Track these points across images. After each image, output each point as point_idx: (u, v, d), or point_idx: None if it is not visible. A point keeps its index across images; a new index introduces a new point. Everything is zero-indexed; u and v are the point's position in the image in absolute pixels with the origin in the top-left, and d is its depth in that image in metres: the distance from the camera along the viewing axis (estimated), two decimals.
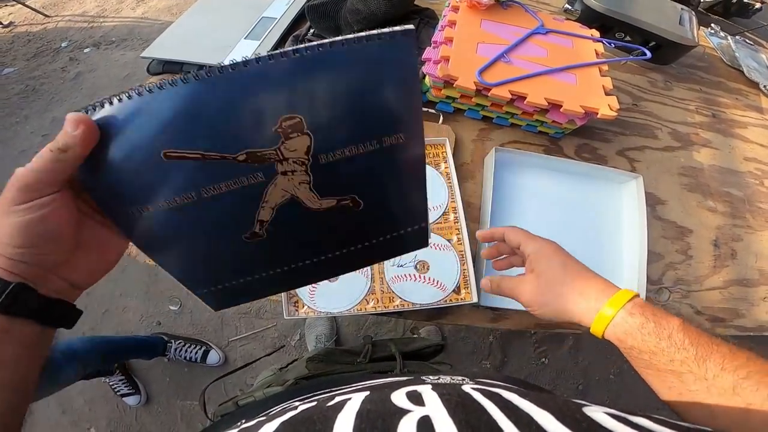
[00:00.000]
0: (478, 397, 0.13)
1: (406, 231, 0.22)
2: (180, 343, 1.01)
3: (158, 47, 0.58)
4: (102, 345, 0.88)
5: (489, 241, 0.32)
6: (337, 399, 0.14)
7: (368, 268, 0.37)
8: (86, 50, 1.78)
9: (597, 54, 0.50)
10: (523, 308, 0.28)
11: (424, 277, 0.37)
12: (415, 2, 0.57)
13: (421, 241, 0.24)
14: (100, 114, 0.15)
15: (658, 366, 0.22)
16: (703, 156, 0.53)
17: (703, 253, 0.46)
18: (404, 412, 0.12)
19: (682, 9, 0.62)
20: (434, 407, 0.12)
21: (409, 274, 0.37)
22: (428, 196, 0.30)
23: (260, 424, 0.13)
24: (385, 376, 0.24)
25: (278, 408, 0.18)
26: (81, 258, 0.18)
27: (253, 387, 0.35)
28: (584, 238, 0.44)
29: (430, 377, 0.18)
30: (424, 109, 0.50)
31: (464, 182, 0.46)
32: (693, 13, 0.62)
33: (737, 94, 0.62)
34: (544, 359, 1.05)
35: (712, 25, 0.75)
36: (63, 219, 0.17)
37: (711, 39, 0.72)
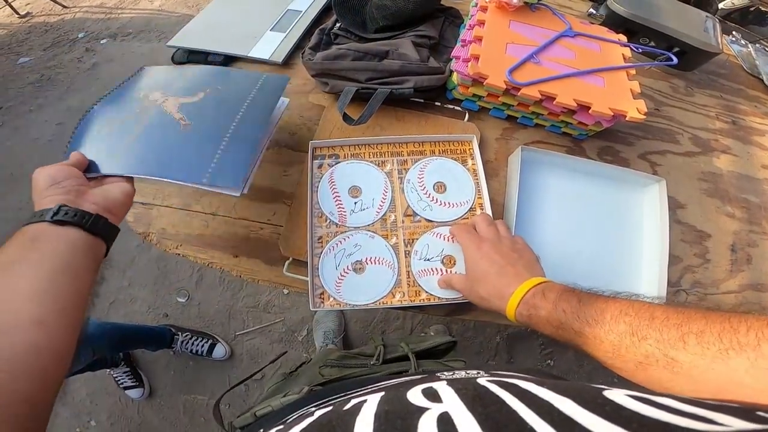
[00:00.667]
0: (494, 388, 0.13)
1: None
2: (187, 335, 1.01)
3: (185, 36, 0.58)
4: (113, 331, 0.88)
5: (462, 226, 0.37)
6: (353, 402, 0.14)
7: (395, 261, 0.38)
8: (103, 41, 1.79)
9: (624, 59, 0.50)
10: None
11: (450, 272, 0.38)
12: (440, 1, 0.58)
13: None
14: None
15: (564, 328, 0.25)
16: (723, 162, 0.53)
17: (720, 257, 0.47)
18: (422, 410, 0.12)
19: (706, 16, 0.63)
20: (452, 403, 0.12)
21: (436, 268, 0.38)
22: (454, 192, 0.39)
23: None
24: (399, 376, 0.25)
25: (295, 415, 0.18)
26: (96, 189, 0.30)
27: (265, 394, 0.35)
28: (605, 238, 0.45)
29: (445, 374, 0.18)
30: (450, 106, 0.51)
31: (488, 179, 0.46)
32: (717, 20, 0.63)
33: (756, 101, 0.62)
34: (549, 361, 1.06)
35: (734, 33, 0.75)
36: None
37: (732, 46, 0.73)
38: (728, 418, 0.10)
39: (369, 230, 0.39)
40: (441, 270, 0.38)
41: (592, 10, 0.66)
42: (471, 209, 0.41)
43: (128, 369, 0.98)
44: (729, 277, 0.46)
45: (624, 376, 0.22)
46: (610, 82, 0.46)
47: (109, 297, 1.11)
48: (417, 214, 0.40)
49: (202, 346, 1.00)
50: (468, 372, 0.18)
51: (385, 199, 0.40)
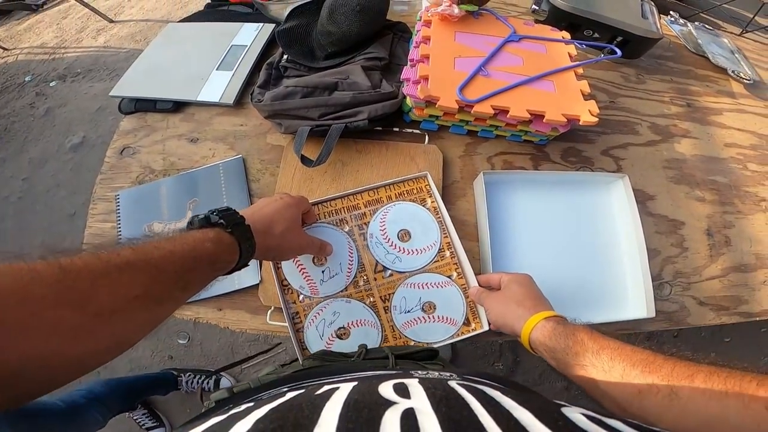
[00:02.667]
0: (461, 392, 0.13)
1: None
2: (190, 375, 1.03)
3: (127, 84, 0.56)
4: (119, 387, 0.90)
5: (486, 285, 0.38)
6: (326, 388, 0.14)
7: (377, 319, 0.37)
8: (52, 83, 1.72)
9: (570, 57, 0.50)
10: None
11: (433, 317, 0.37)
12: (385, 19, 0.57)
13: None
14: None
15: (569, 361, 0.27)
16: (685, 147, 0.54)
17: (698, 243, 0.47)
18: (390, 403, 0.12)
19: (642, 1, 0.64)
20: (419, 400, 0.12)
21: (419, 317, 0.37)
22: (419, 237, 0.37)
23: (249, 410, 0.13)
24: (376, 369, 0.25)
25: (268, 395, 0.19)
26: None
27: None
28: (582, 245, 0.44)
29: (419, 372, 0.19)
30: (409, 129, 0.50)
31: (456, 200, 0.45)
32: (652, 3, 0.64)
33: (707, 81, 0.64)
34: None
35: (671, 12, 0.77)
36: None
37: (672, 27, 0.74)
38: None
39: (344, 296, 0.38)
40: (424, 318, 0.37)
41: (534, 6, 0.67)
42: (439, 251, 0.40)
43: (146, 411, 1.00)
44: (710, 262, 0.46)
45: (618, 401, 0.24)
46: (560, 86, 0.46)
47: None
48: (387, 269, 0.39)
49: (207, 382, 1.02)
50: (441, 374, 0.19)
51: (352, 261, 0.39)
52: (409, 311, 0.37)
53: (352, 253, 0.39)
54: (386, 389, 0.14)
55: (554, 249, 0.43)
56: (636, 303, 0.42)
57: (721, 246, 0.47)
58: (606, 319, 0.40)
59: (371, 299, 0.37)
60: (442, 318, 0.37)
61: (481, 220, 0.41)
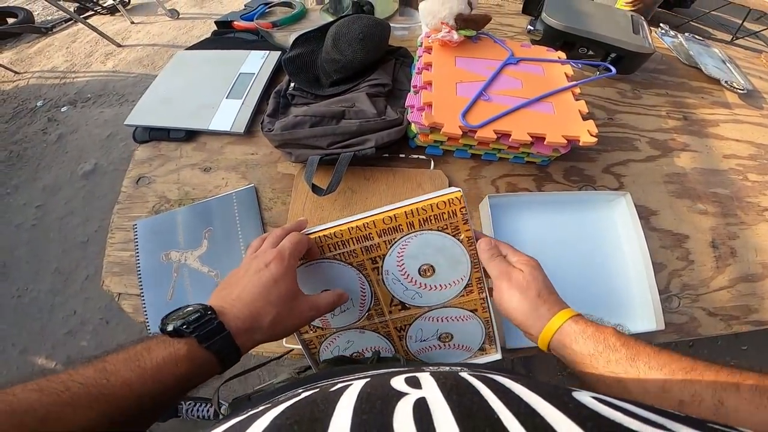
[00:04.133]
0: (472, 380, 0.14)
1: None
2: (190, 403, 1.03)
3: (140, 114, 0.58)
4: None
5: (490, 248, 0.31)
6: (339, 385, 0.15)
7: (391, 346, 0.36)
8: (63, 109, 1.76)
9: (567, 77, 0.52)
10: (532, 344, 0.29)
11: (449, 345, 0.36)
12: (387, 45, 0.59)
13: None
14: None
15: (598, 368, 0.24)
16: (684, 160, 0.55)
17: (703, 256, 0.48)
18: (402, 394, 0.12)
19: (632, 15, 0.66)
20: (430, 390, 0.13)
21: (434, 345, 0.36)
22: (445, 271, 0.32)
23: (266, 410, 0.13)
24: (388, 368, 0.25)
25: (284, 396, 0.19)
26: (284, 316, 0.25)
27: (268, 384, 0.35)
28: (588, 262, 0.45)
29: (430, 367, 0.19)
30: (415, 156, 0.52)
31: None
32: (642, 17, 0.66)
33: (701, 92, 0.65)
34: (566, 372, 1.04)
35: (661, 24, 0.80)
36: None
37: (664, 39, 0.77)
38: (680, 426, 0.11)
39: (357, 327, 0.35)
40: (439, 345, 0.36)
41: (530, 26, 0.70)
42: (467, 286, 0.33)
43: None
44: (717, 273, 0.47)
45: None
46: (559, 107, 0.48)
47: None
48: (405, 304, 0.34)
49: (208, 410, 1.02)
50: (452, 367, 0.19)
51: (364, 296, 0.33)
52: (424, 340, 0.36)
53: (364, 288, 0.33)
54: (398, 382, 0.14)
55: (561, 267, 0.44)
56: (645, 316, 0.43)
57: (727, 257, 0.48)
58: None
59: (386, 330, 0.35)
60: (458, 346, 0.36)
61: None
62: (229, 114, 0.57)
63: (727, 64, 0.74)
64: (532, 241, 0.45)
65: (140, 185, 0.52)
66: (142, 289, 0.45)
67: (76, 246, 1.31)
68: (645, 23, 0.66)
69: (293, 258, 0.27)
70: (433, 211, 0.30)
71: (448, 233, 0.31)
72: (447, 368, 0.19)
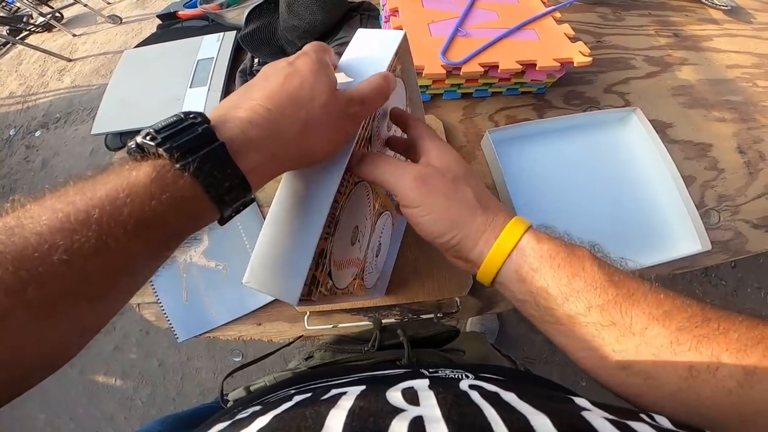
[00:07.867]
0: (475, 396, 0.13)
1: None
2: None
3: (104, 120, 0.53)
4: (176, 423, 0.85)
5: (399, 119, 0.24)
6: (333, 392, 0.14)
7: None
8: (37, 134, 1.68)
9: (544, 3, 0.49)
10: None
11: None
12: (348, 1, 0.55)
13: None
14: None
15: (575, 320, 0.16)
16: (687, 73, 0.51)
17: (732, 163, 0.43)
18: (398, 411, 0.12)
19: None
20: (429, 407, 0.12)
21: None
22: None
23: (254, 416, 0.12)
24: (390, 365, 0.24)
25: (276, 396, 0.17)
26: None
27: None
28: (611, 186, 0.40)
29: (430, 370, 0.18)
30: None
31: (468, 163, 0.41)
32: None
33: (684, 11, 0.62)
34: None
35: None
36: None
37: None
38: None
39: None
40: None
41: None
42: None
43: None
44: (751, 180, 0.42)
45: (662, 390, 0.16)
46: (542, 33, 0.44)
47: (177, 372, 1.16)
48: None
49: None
50: (455, 372, 0.17)
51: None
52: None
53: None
54: (394, 395, 0.13)
55: (582, 195, 0.39)
56: (687, 237, 0.37)
57: (758, 162, 0.43)
58: (659, 260, 0.35)
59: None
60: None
61: (499, 179, 0.38)
62: (197, 102, 0.52)
63: None
64: (544, 172, 0.40)
65: None
66: (157, 296, 0.41)
67: None
68: None
69: (325, 53, 0.19)
70: None
71: None
72: (448, 372, 0.17)
